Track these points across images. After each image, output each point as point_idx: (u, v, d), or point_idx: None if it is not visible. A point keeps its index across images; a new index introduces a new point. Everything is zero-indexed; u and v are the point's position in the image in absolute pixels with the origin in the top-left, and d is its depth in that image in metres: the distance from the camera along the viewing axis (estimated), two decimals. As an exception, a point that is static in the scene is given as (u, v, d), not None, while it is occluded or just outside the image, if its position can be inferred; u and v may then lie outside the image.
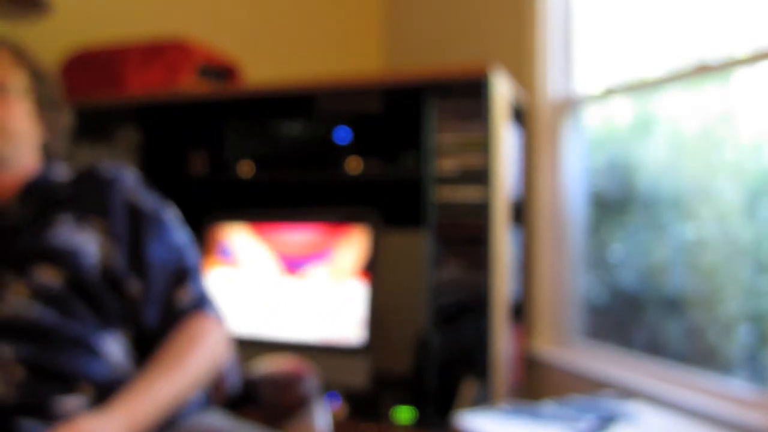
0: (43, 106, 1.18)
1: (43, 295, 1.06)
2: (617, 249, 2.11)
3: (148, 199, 1.19)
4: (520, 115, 2.22)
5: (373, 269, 2.05)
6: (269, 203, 2.40)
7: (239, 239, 2.23)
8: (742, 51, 1.65)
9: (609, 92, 2.08)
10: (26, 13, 2.32)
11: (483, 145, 1.94)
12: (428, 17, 2.84)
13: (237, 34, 2.81)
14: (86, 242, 1.11)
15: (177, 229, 1.21)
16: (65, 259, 1.08)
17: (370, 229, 2.07)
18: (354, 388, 1.99)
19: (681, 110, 1.87)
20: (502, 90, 1.98)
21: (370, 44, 3.11)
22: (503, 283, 1.98)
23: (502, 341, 1.97)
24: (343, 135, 2.19)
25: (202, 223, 2.24)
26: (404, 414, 1.96)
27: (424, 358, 1.99)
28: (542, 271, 2.24)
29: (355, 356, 2.00)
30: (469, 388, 1.89)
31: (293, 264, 2.15)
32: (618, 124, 2.13)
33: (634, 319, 2.02)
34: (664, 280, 1.92)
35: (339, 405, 1.99)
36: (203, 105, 2.42)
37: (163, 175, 1.91)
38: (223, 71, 2.55)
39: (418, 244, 2.08)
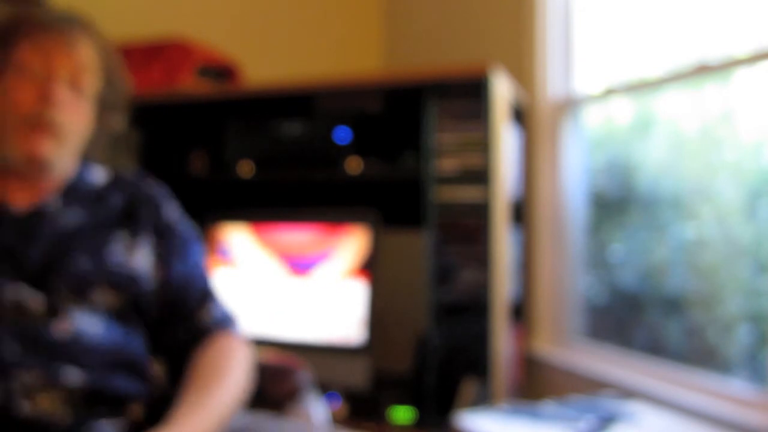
0: (106, 106, 1.13)
1: (104, 317, 1.04)
2: (617, 249, 2.11)
3: (178, 217, 1.17)
4: (520, 115, 2.22)
5: (373, 269, 2.05)
6: (269, 203, 2.40)
7: (239, 239, 2.23)
8: (742, 51, 1.65)
9: (609, 92, 2.08)
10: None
11: (483, 145, 1.94)
12: (428, 17, 2.84)
13: (237, 34, 2.81)
14: (143, 266, 1.09)
15: (199, 248, 1.19)
16: (126, 286, 1.06)
17: (370, 229, 2.07)
18: (354, 388, 1.99)
19: (681, 110, 1.87)
20: (502, 90, 1.98)
21: (370, 44, 3.11)
22: (503, 283, 1.98)
23: (502, 341, 1.97)
24: (343, 135, 2.19)
25: (202, 223, 2.24)
26: (404, 414, 1.96)
27: (424, 358, 1.99)
28: (542, 271, 2.24)
29: (355, 356, 2.00)
30: (469, 388, 1.89)
31: (293, 264, 2.15)
32: (618, 124, 2.13)
33: (634, 319, 2.02)
34: (664, 280, 1.92)
35: (339, 405, 1.99)
36: (203, 105, 2.42)
37: (162, 175, 1.90)
38: (223, 71, 2.55)
39: (418, 244, 2.08)
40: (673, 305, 1.88)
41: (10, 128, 1.03)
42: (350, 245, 2.09)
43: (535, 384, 2.22)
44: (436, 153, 1.99)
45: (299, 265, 2.14)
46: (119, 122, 1.17)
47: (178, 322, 1.12)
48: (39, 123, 1.02)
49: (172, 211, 1.17)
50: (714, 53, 1.73)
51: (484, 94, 1.92)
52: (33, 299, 1.01)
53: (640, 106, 2.03)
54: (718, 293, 1.76)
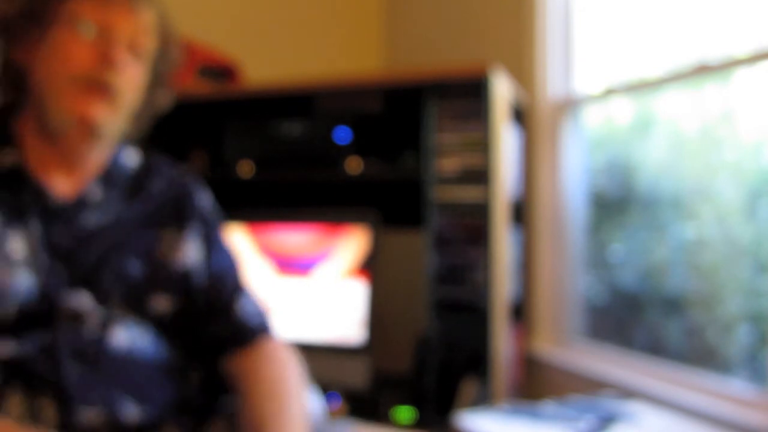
0: (157, 78, 1.02)
1: (155, 327, 0.97)
2: (617, 249, 2.11)
3: (211, 204, 1.10)
4: (520, 115, 2.22)
5: (373, 269, 2.05)
6: (269, 203, 2.40)
7: (240, 239, 2.23)
8: (742, 51, 1.65)
9: (609, 92, 2.08)
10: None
11: (483, 145, 1.94)
12: (428, 17, 2.84)
13: (237, 34, 2.81)
14: (194, 260, 1.01)
15: (229, 237, 1.13)
16: (180, 288, 0.99)
17: (370, 229, 2.07)
18: (354, 388, 1.99)
19: (681, 110, 1.87)
20: (502, 90, 1.97)
21: (370, 44, 3.11)
22: (503, 283, 1.98)
23: (502, 341, 1.97)
24: (343, 135, 2.19)
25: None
26: (404, 414, 1.96)
27: (424, 358, 1.98)
28: (542, 271, 2.24)
29: (355, 356, 2.00)
30: (469, 388, 1.89)
31: (293, 264, 2.15)
32: (618, 124, 2.13)
33: (634, 319, 2.02)
34: (664, 280, 1.92)
35: (339, 405, 1.99)
36: (203, 105, 2.42)
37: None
38: (223, 71, 2.55)
39: (418, 244, 2.08)
40: (673, 305, 1.88)
41: (58, 87, 0.92)
42: (350, 245, 2.09)
43: (535, 384, 2.22)
44: (436, 153, 1.99)
45: (299, 264, 2.14)
46: (166, 98, 1.07)
47: (214, 317, 1.04)
48: (95, 85, 0.92)
49: (207, 199, 1.10)
50: (714, 53, 1.73)
51: (484, 94, 1.92)
52: (89, 307, 0.92)
53: (640, 106, 2.03)
54: (718, 293, 1.76)
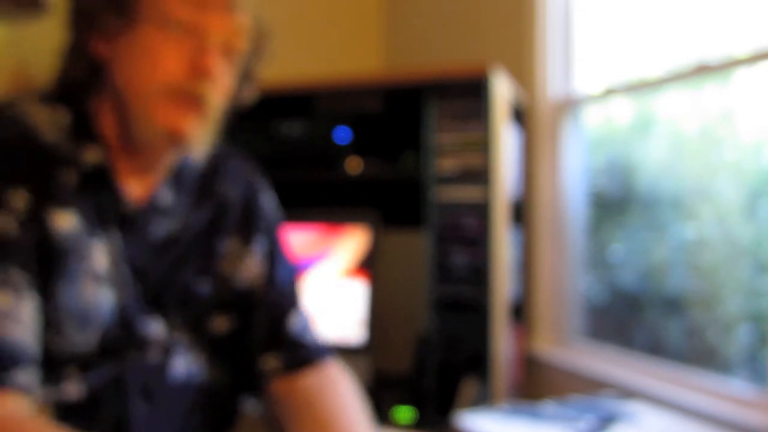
0: (246, 75, 0.92)
1: (213, 352, 0.89)
2: (617, 249, 2.11)
3: (275, 204, 1.02)
4: (520, 115, 2.22)
5: (373, 269, 2.05)
6: (269, 203, 2.39)
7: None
8: (742, 51, 1.65)
9: (609, 92, 2.08)
10: (26, 13, 2.32)
11: (483, 145, 1.94)
12: (428, 17, 2.83)
13: (237, 34, 2.81)
14: (253, 276, 0.93)
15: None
16: (240, 304, 0.92)
17: (370, 229, 2.07)
18: (354, 388, 1.99)
19: (681, 110, 1.87)
20: (502, 90, 1.97)
21: (370, 44, 3.11)
22: (503, 283, 1.98)
23: (502, 341, 1.97)
24: (343, 135, 2.19)
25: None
26: (404, 414, 1.96)
27: (424, 358, 1.98)
28: (542, 271, 2.24)
29: (355, 356, 1.99)
30: (469, 388, 1.89)
31: (293, 264, 2.15)
32: (618, 124, 2.13)
33: (634, 319, 2.02)
34: (664, 280, 1.92)
35: (339, 405, 1.99)
36: (203, 105, 2.41)
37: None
38: (223, 71, 2.55)
39: (418, 244, 2.08)
40: (673, 305, 1.88)
41: (145, 95, 0.82)
42: (350, 245, 2.09)
43: (535, 384, 2.22)
44: (436, 153, 1.99)
45: (299, 264, 2.14)
46: (251, 93, 0.96)
47: (272, 337, 0.94)
48: (188, 97, 0.82)
49: (273, 203, 1.01)
50: (714, 53, 1.73)
51: (484, 94, 1.92)
52: (157, 332, 0.84)
53: (640, 106, 2.03)
54: (718, 293, 1.76)
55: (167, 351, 0.84)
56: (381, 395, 2.05)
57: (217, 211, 0.92)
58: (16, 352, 0.68)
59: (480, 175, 1.94)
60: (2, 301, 0.70)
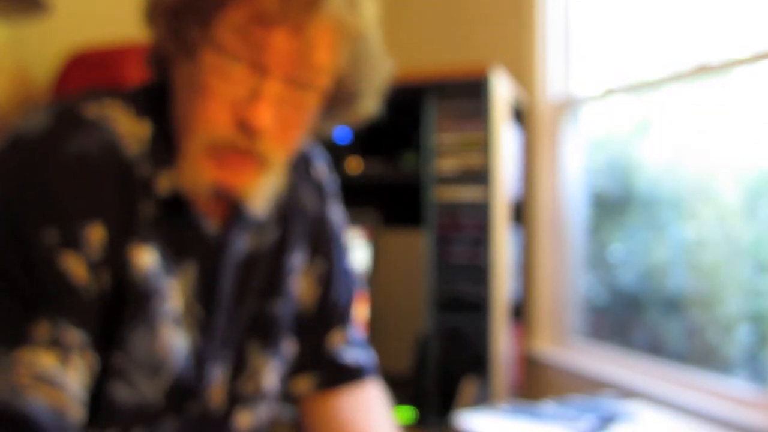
0: (333, 105, 0.75)
1: (281, 370, 0.81)
2: (617, 249, 2.11)
3: (342, 219, 0.91)
4: (520, 115, 2.22)
5: (373, 269, 2.05)
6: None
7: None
8: (742, 51, 1.65)
9: (609, 92, 2.08)
10: (26, 13, 2.32)
11: (483, 145, 1.94)
12: (428, 17, 2.84)
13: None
14: (308, 297, 0.84)
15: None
16: (303, 328, 0.84)
17: (370, 229, 2.07)
18: (354, 388, 1.99)
19: (681, 110, 1.87)
20: (502, 90, 1.98)
21: (370, 44, 3.10)
22: (503, 283, 1.98)
23: (502, 341, 1.97)
24: (343, 135, 2.19)
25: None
26: (404, 414, 1.96)
27: (424, 358, 1.98)
28: (542, 270, 2.24)
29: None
30: (469, 387, 1.89)
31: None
32: (618, 124, 2.13)
33: (634, 319, 2.02)
34: (664, 280, 1.92)
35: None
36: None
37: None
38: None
39: (418, 244, 2.08)
40: (673, 305, 1.88)
41: (188, 138, 0.66)
42: (350, 245, 2.08)
43: (535, 384, 2.22)
44: (436, 153, 1.99)
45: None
46: (367, 110, 0.80)
47: (317, 352, 0.86)
48: (237, 152, 0.65)
49: (341, 217, 0.90)
50: (714, 54, 1.73)
51: (484, 94, 1.92)
52: (221, 379, 0.73)
53: (640, 107, 2.03)
54: (718, 293, 1.76)
55: (232, 401, 0.76)
56: (381, 395, 2.05)
57: (288, 228, 0.80)
58: (54, 422, 0.59)
59: (480, 175, 1.94)
60: (48, 362, 0.59)
